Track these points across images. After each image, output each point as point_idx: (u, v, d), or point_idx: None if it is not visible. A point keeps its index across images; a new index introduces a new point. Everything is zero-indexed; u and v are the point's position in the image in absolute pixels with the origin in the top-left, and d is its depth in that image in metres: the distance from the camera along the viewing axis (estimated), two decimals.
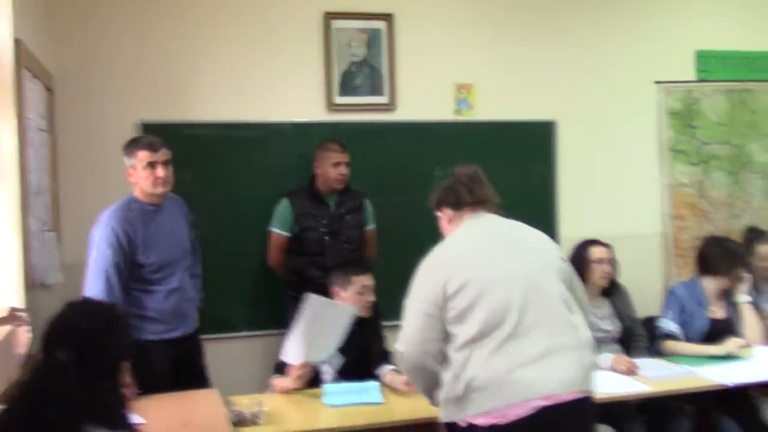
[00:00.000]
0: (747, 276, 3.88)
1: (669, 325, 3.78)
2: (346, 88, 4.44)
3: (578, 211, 4.72)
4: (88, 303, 2.27)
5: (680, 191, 4.90)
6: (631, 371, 3.32)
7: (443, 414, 2.40)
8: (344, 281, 3.31)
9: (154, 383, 2.93)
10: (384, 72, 4.47)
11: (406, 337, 2.40)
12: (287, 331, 3.18)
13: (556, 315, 2.33)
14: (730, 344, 3.60)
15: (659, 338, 3.75)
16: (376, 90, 4.48)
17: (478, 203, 2.51)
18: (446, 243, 2.51)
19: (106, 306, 2.06)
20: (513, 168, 4.55)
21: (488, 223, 2.51)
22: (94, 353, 1.77)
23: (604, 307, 3.77)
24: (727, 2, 5.10)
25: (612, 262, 3.78)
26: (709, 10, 5.06)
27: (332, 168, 3.97)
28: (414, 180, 4.45)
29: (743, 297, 3.84)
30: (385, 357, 3.35)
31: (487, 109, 4.63)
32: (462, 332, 2.30)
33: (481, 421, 2.26)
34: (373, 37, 4.46)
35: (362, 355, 3.26)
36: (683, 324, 3.78)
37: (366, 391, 3.04)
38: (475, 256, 2.40)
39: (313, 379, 3.17)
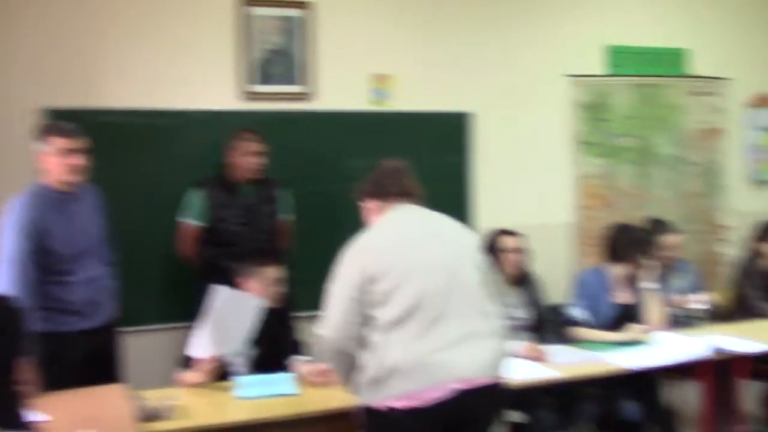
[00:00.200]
0: (654, 264, 4.03)
1: (577, 312, 3.89)
2: (263, 76, 4.38)
3: (494, 202, 4.81)
4: None
5: (589, 182, 5.05)
6: (540, 358, 3.40)
7: (361, 398, 2.44)
8: (252, 272, 3.28)
9: (68, 377, 2.87)
10: (302, 61, 4.44)
11: (329, 321, 2.44)
12: (197, 324, 3.13)
13: (473, 303, 2.43)
14: (632, 331, 3.75)
15: (568, 325, 3.87)
16: (293, 79, 4.44)
17: (404, 195, 2.59)
18: (371, 230, 2.57)
19: None
20: (430, 159, 4.59)
21: (412, 214, 2.58)
22: None
23: (517, 296, 3.85)
24: None
25: (524, 251, 3.87)
26: (620, 6, 5.22)
27: (247, 157, 3.92)
28: (332, 170, 4.46)
29: (648, 284, 3.99)
30: (297, 348, 3.33)
31: (405, 100, 4.65)
32: (383, 315, 2.36)
33: (400, 404, 2.32)
34: (291, 26, 4.41)
35: (273, 346, 3.23)
36: (591, 310, 3.90)
37: (279, 382, 3.02)
38: (398, 243, 2.47)
39: (222, 373, 3.12)
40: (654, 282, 3.99)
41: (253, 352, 3.16)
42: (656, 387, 3.78)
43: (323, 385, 3.00)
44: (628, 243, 3.99)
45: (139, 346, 4.01)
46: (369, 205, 2.64)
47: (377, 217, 2.60)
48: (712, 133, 5.42)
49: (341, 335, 2.42)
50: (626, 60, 5.17)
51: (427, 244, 2.48)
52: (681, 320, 4.12)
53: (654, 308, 3.95)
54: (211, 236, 3.94)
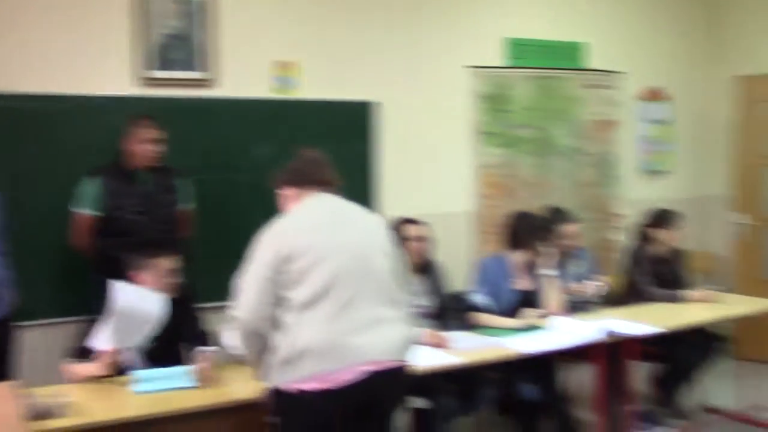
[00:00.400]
0: (552, 251, 4.15)
1: (479, 298, 3.98)
2: (162, 62, 4.25)
3: (398, 190, 4.84)
4: None
5: (490, 172, 5.16)
6: (442, 344, 3.46)
7: (271, 380, 2.47)
8: (145, 264, 3.19)
9: None
10: (203, 46, 4.33)
11: (244, 302, 2.48)
12: (95, 317, 3.02)
13: (382, 290, 2.54)
14: (529, 316, 3.87)
15: (469, 311, 3.94)
16: (193, 65, 4.33)
17: (322, 184, 2.68)
18: (288, 215, 2.62)
19: None
20: (335, 147, 4.43)
21: (328, 202, 2.66)
22: None
23: (420, 284, 3.90)
24: None
25: (426, 239, 3.91)
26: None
27: (143, 145, 3.81)
28: (235, 158, 4.40)
29: (546, 270, 4.11)
30: (202, 339, 3.26)
31: (310, 88, 4.62)
32: (297, 296, 2.42)
33: (310, 386, 2.38)
34: (190, 9, 4.29)
35: (173, 338, 3.15)
36: (492, 297, 3.99)
37: (177, 375, 2.95)
38: (314, 227, 2.55)
39: (119, 368, 3.03)
40: (552, 269, 4.11)
41: (151, 346, 3.08)
42: (553, 370, 3.91)
43: (217, 380, 2.95)
44: (527, 230, 4.10)
45: (31, 341, 3.84)
46: (287, 193, 2.70)
47: (294, 204, 2.66)
48: (606, 125, 5.63)
49: (255, 316, 2.45)
50: (525, 52, 5.30)
51: (342, 231, 2.56)
52: (578, 305, 4.27)
53: (552, 294, 4.07)
54: (106, 226, 3.80)
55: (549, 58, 5.41)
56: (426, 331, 3.52)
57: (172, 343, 3.13)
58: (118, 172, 3.85)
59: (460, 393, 3.60)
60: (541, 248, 4.07)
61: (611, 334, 3.72)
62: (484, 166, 5.16)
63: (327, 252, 2.47)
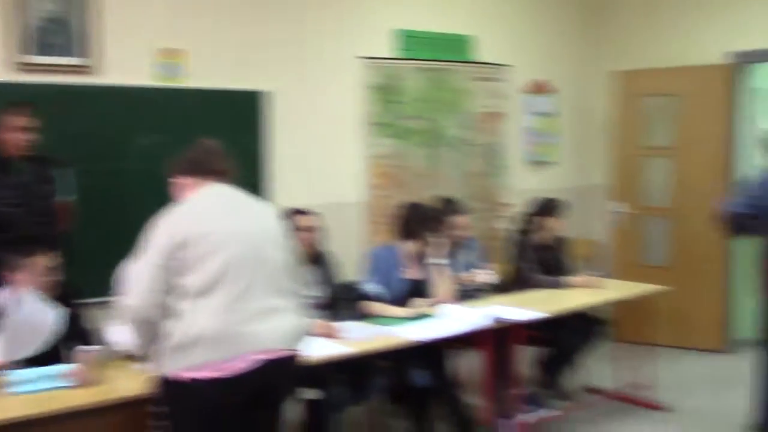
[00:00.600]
0: (442, 241, 4.23)
1: (370, 287, 4.01)
2: (39, 46, 4.05)
3: (290, 181, 4.80)
4: None
5: (381, 162, 5.19)
6: (332, 335, 3.47)
7: (162, 367, 2.45)
8: (19, 264, 3.04)
9: None
10: (82, 31, 4.15)
11: (135, 289, 2.46)
12: None
13: (275, 280, 2.57)
14: (418, 305, 3.93)
15: (360, 301, 3.97)
16: (73, 50, 4.15)
17: (217, 174, 2.68)
18: (183, 203, 2.61)
19: None
20: (225, 137, 4.34)
21: (223, 192, 2.67)
22: None
23: (311, 274, 3.89)
24: None
25: (317, 230, 3.91)
26: None
27: (15, 133, 3.62)
28: (118, 148, 4.25)
29: (436, 260, 4.18)
30: (84, 337, 3.14)
31: (198, 77, 4.51)
32: (191, 283, 2.42)
33: (202, 375, 2.37)
34: None
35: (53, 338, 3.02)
36: (383, 286, 4.03)
37: (55, 375, 2.83)
38: (209, 216, 2.55)
39: None
40: (442, 258, 4.19)
41: None
42: (443, 356, 3.99)
43: (97, 379, 2.86)
44: (417, 220, 4.16)
45: None
46: (182, 182, 2.69)
47: (190, 193, 2.65)
48: (494, 117, 5.77)
49: (147, 303, 2.43)
50: (415, 44, 5.36)
51: (236, 220, 2.58)
52: (467, 294, 4.37)
53: (442, 283, 4.15)
54: None
55: (439, 50, 5.49)
56: (317, 322, 3.51)
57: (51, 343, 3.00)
58: None
59: (351, 383, 3.62)
60: (432, 238, 4.14)
61: (498, 320, 3.83)
62: (375, 157, 5.19)
63: (222, 240, 2.48)
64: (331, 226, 4.22)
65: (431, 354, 3.85)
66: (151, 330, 2.47)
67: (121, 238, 2.47)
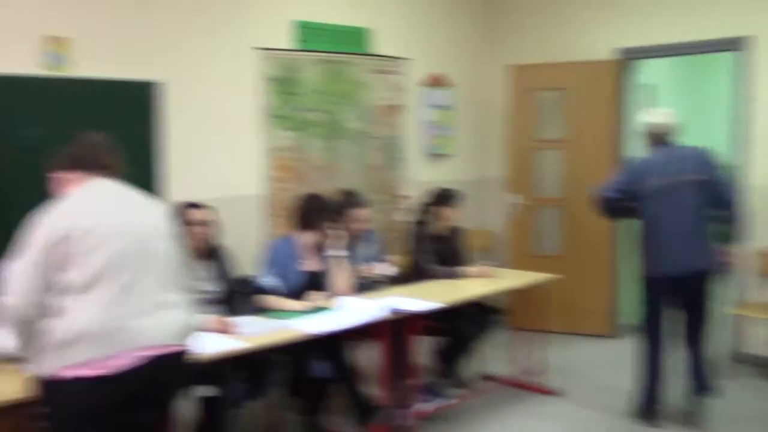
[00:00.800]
0: (341, 233, 4.23)
1: (267, 280, 3.98)
2: None
3: (185, 174, 4.68)
4: None
5: (280, 155, 5.15)
6: (228, 330, 3.42)
7: (43, 365, 2.37)
8: None
9: None
10: None
11: (16, 287, 2.38)
12: None
13: (162, 274, 2.54)
14: (315, 298, 3.93)
15: (257, 295, 3.93)
16: None
17: (102, 168, 2.63)
18: (66, 199, 2.53)
19: None
20: (115, 128, 4.14)
21: (108, 186, 2.61)
22: None
23: (206, 269, 3.82)
24: None
25: (211, 224, 3.84)
26: None
27: None
28: None
29: (335, 251, 4.18)
30: None
31: (86, 66, 4.32)
32: (73, 279, 2.37)
33: (85, 373, 2.32)
34: None
35: None
36: (280, 278, 4.00)
37: None
38: (93, 211, 2.49)
39: None
40: (341, 250, 4.20)
41: None
42: (342, 348, 4.00)
43: None
44: (316, 212, 4.15)
45: None
46: (65, 177, 2.62)
47: (73, 188, 2.58)
48: (392, 110, 5.81)
49: (26, 303, 2.37)
50: (314, 36, 5.33)
51: (121, 215, 2.54)
52: (366, 286, 4.39)
53: (340, 275, 4.16)
54: None
55: (337, 42, 5.48)
56: (212, 317, 3.46)
57: None
58: None
59: (248, 378, 3.59)
60: (331, 230, 4.14)
61: (395, 311, 3.87)
62: (274, 149, 5.14)
63: (106, 235, 2.44)
64: (230, 220, 4.16)
65: (330, 346, 3.86)
66: (31, 329, 2.39)
67: (1, 236, 2.35)
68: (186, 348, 2.57)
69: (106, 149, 2.70)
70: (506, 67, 6.25)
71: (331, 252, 4.16)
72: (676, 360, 4.37)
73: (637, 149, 6.19)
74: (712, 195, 4.12)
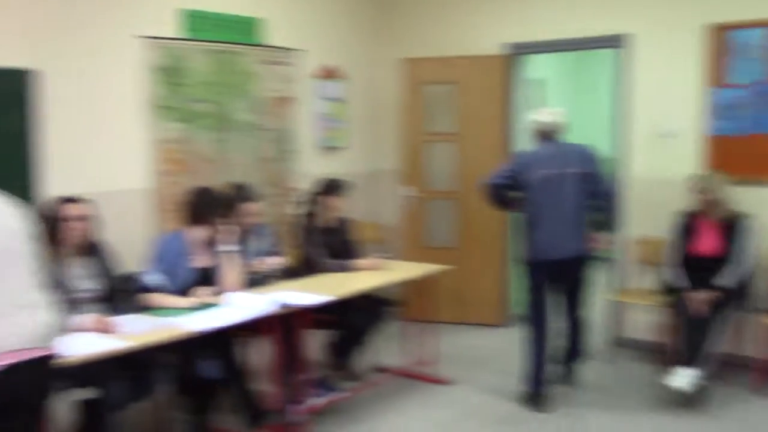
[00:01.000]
0: (233, 227, 4.14)
1: (151, 278, 3.85)
2: None
3: (66, 168, 4.46)
4: None
5: (168, 147, 4.98)
6: (108, 330, 3.29)
7: None
8: None
9: None
10: None
11: None
12: None
13: (20, 275, 2.41)
14: (201, 294, 3.84)
15: (141, 293, 3.80)
16: None
17: None
18: None
19: None
20: None
21: None
22: None
23: (84, 267, 3.66)
24: None
25: (90, 219, 3.67)
26: None
27: None
28: None
29: (226, 246, 4.09)
30: None
31: None
32: None
33: None
34: None
35: None
36: (169, 275, 3.88)
37: None
38: None
39: None
40: (232, 245, 4.11)
41: None
42: (231, 345, 3.92)
43: None
44: (206, 206, 4.05)
45: None
46: None
47: None
48: (284, 102, 5.73)
49: None
50: (202, 25, 5.18)
51: None
52: (257, 281, 4.32)
53: (231, 270, 4.07)
54: None
55: (226, 32, 5.35)
56: (90, 317, 3.32)
57: None
58: None
59: (132, 379, 3.46)
60: (221, 224, 4.05)
61: (284, 306, 3.82)
62: (161, 142, 4.97)
63: None
64: (116, 215, 4.02)
65: (219, 344, 3.77)
66: None
67: None
68: (51, 351, 2.45)
69: None
70: (398, 61, 6.27)
71: (222, 247, 4.07)
72: (558, 347, 4.58)
73: (525, 142, 6.37)
74: (592, 187, 4.40)
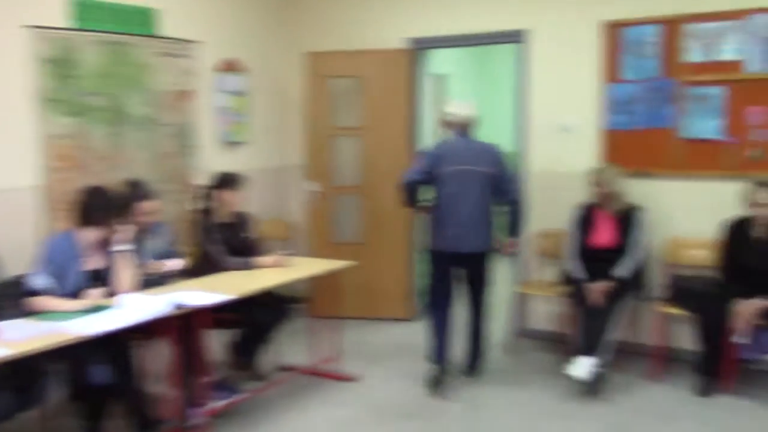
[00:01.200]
0: (128, 227, 3.97)
1: (39, 281, 3.65)
2: None
3: None
4: None
5: (58, 143, 4.75)
6: None
7: None
8: None
9: None
10: None
11: None
12: None
13: None
14: (91, 296, 3.67)
15: (26, 297, 3.60)
16: None
17: None
18: None
19: None
20: None
21: None
22: None
23: None
24: None
25: None
26: None
27: None
28: None
29: (120, 246, 3.92)
30: None
31: None
32: None
33: None
34: None
35: None
36: (59, 278, 3.70)
37: None
38: None
39: None
40: (127, 244, 3.94)
41: None
42: (126, 349, 3.76)
43: None
44: (99, 206, 3.87)
45: None
46: None
47: None
48: (183, 95, 5.55)
49: None
50: (93, 15, 4.95)
51: None
52: (153, 281, 4.17)
53: (124, 271, 3.91)
54: None
55: (119, 22, 5.13)
56: None
57: None
58: None
59: (16, 388, 3.28)
60: (116, 224, 3.88)
61: (180, 306, 3.70)
62: (51, 137, 4.72)
63: None
64: (2, 215, 3.77)
65: (112, 348, 3.61)
66: None
67: None
68: None
69: None
70: (303, 54, 6.19)
71: (116, 247, 3.90)
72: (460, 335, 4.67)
73: (430, 136, 6.40)
74: (498, 188, 4.52)
